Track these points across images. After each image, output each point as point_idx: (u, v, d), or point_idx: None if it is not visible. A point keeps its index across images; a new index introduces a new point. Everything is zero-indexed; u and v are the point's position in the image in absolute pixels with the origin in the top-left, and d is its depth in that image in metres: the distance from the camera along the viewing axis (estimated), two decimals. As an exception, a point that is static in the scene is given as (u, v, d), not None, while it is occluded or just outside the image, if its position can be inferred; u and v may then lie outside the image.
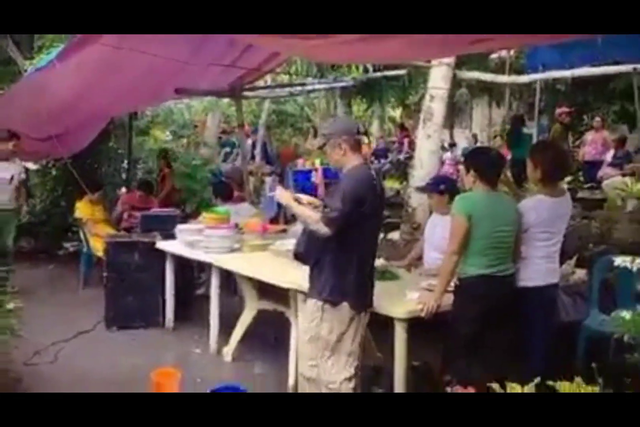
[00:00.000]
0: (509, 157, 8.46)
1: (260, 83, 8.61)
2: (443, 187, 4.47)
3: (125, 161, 8.69)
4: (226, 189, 6.52)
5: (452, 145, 14.54)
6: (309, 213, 3.28)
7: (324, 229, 3.15)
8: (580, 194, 8.25)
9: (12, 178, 6.54)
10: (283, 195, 3.48)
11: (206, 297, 5.17)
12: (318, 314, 3.26)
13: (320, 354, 3.28)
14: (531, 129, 10.34)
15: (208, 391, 3.41)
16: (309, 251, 3.35)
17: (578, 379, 2.36)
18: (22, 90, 6.05)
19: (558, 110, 10.90)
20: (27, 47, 9.80)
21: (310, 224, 3.22)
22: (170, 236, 5.50)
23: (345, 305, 3.22)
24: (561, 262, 3.92)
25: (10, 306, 4.21)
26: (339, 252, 3.21)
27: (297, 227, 4.59)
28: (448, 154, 13.20)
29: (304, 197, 3.51)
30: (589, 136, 11.21)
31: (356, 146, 3.32)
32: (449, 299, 3.52)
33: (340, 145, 3.25)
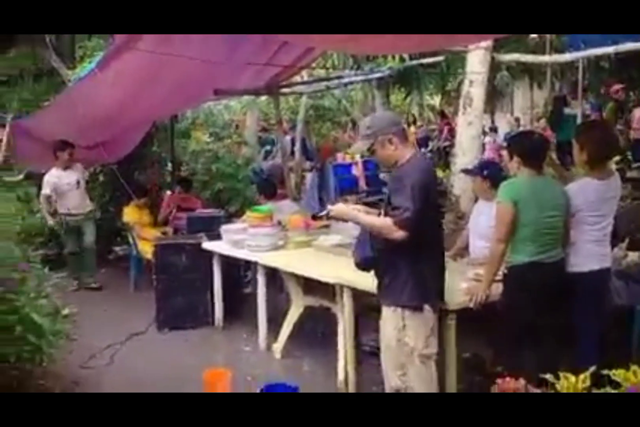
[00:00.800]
0: (553, 139, 8.27)
1: (297, 78, 8.58)
2: (487, 173, 4.38)
3: (169, 164, 8.80)
4: (270, 186, 6.54)
5: (493, 129, 14.29)
6: (378, 220, 3.06)
7: (398, 233, 2.93)
8: (629, 174, 7.99)
9: (78, 182, 6.93)
10: (340, 209, 3.26)
11: (254, 296, 5.21)
12: (399, 322, 3.07)
13: (408, 362, 3.10)
14: (575, 110, 10.07)
15: (258, 390, 3.43)
16: (377, 258, 3.12)
17: (634, 367, 2.29)
18: (66, 100, 6.19)
19: (613, 88, 10.57)
20: (69, 57, 10.02)
21: (383, 231, 2.98)
22: (216, 236, 5.56)
23: (427, 308, 3.07)
24: (613, 246, 3.81)
25: (66, 311, 4.33)
26: (413, 254, 3.01)
27: (342, 224, 4.57)
28: (489, 139, 12.98)
29: (358, 207, 3.32)
30: (637, 113, 10.85)
31: (405, 137, 3.18)
32: (497, 288, 3.46)
33: (391, 140, 3.08)
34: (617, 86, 10.45)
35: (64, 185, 6.83)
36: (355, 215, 3.18)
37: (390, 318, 3.12)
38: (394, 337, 3.11)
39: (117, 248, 8.15)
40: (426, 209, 2.97)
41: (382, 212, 3.14)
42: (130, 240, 7.10)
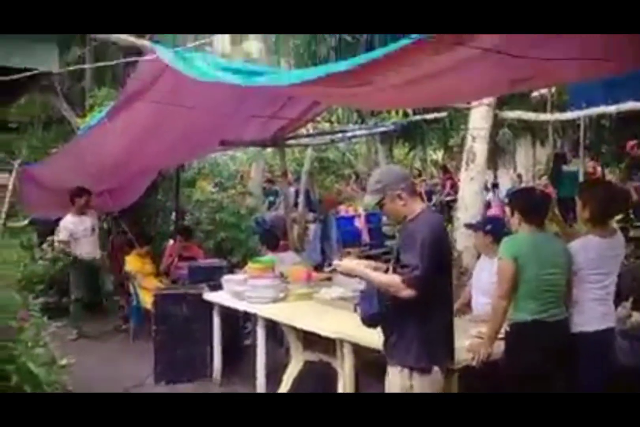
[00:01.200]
0: (554, 195, 8.31)
1: (302, 131, 8.73)
2: (489, 228, 4.39)
3: (173, 213, 8.85)
4: (273, 237, 6.55)
5: (495, 185, 14.40)
6: (386, 278, 2.98)
7: (407, 292, 2.85)
8: (632, 233, 7.98)
9: (93, 229, 7.10)
10: (348, 265, 3.17)
11: (253, 348, 5.13)
12: (406, 382, 2.98)
13: None
14: (573, 167, 10.19)
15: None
16: (383, 314, 3.03)
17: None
18: (75, 148, 6.31)
19: (629, 144, 10.68)
20: (79, 105, 10.22)
21: (392, 289, 2.90)
22: (218, 286, 5.53)
23: (436, 370, 2.98)
24: (616, 305, 3.77)
25: (64, 361, 4.27)
26: (422, 312, 2.92)
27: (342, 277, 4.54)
28: (492, 195, 13.06)
29: (364, 262, 3.25)
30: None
31: (414, 192, 3.13)
32: (500, 346, 3.41)
33: (400, 195, 3.03)
34: (632, 142, 10.52)
35: (79, 231, 6.98)
36: (363, 271, 3.09)
37: (396, 378, 3.02)
38: None
39: (118, 297, 8.09)
40: (436, 267, 2.89)
41: (391, 268, 3.08)
42: (132, 289, 7.07)
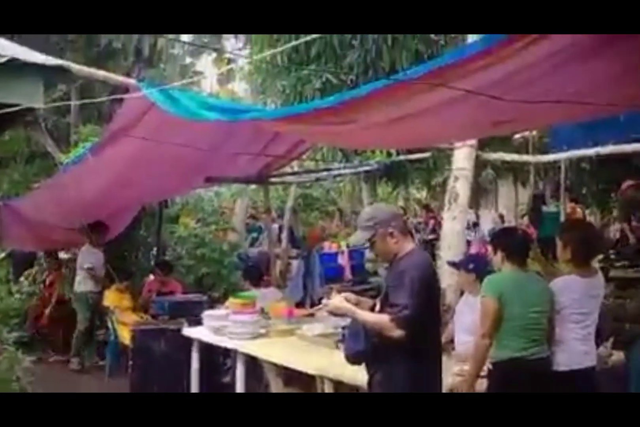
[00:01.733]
0: (535, 235, 8.40)
1: (287, 169, 8.78)
2: (472, 266, 4.41)
3: (154, 249, 8.79)
4: (256, 272, 6.50)
5: (475, 224, 14.54)
6: (374, 318, 2.92)
7: (396, 333, 2.79)
8: (612, 273, 8.05)
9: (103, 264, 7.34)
10: (337, 304, 3.05)
11: (232, 385, 5.04)
12: None
13: None
14: (552, 208, 10.32)
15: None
16: (370, 353, 2.96)
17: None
18: (58, 182, 6.30)
19: (624, 184, 10.80)
20: (63, 142, 10.24)
21: (381, 329, 2.84)
22: (198, 322, 5.46)
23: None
24: (597, 344, 3.78)
25: (35, 396, 4.16)
26: (410, 352, 2.85)
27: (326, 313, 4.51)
28: (472, 234, 13.16)
29: (350, 296, 3.15)
30: (619, 214, 11.11)
31: (405, 230, 3.10)
32: (482, 384, 3.39)
33: (392, 234, 2.99)
34: (627, 183, 10.64)
35: (98, 263, 7.20)
36: (351, 310, 3.01)
37: None
38: None
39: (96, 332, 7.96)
40: (425, 306, 2.86)
41: (378, 304, 3.04)
42: (110, 324, 6.96)
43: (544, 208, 10.48)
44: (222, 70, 18.85)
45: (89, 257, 7.27)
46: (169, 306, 6.27)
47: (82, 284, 7.18)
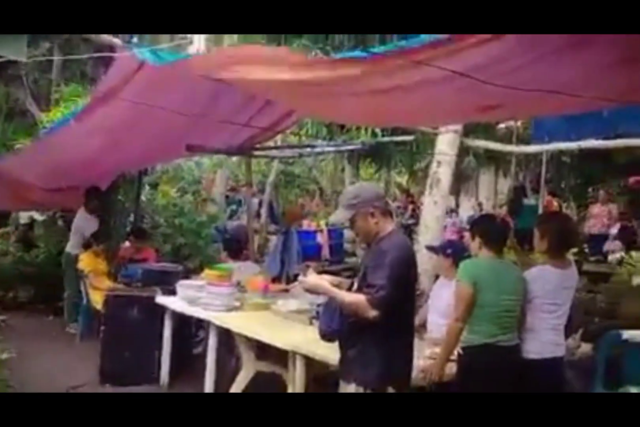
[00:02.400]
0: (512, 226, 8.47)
1: (270, 143, 8.74)
2: (450, 251, 4.45)
3: (132, 215, 8.72)
4: (236, 245, 6.47)
5: (453, 211, 14.66)
6: (351, 297, 2.92)
7: (372, 313, 2.80)
8: (585, 267, 8.19)
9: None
10: (313, 281, 3.06)
11: (203, 356, 5.07)
12: None
13: None
14: (532, 200, 10.42)
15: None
16: (345, 331, 2.97)
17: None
18: (40, 145, 6.19)
19: (632, 179, 10.90)
20: (44, 99, 10.03)
21: (356, 309, 2.85)
22: (171, 291, 5.45)
23: (391, 391, 2.91)
24: (566, 336, 3.85)
25: (4, 355, 4.15)
26: (384, 332, 2.88)
27: (300, 290, 4.53)
28: (449, 220, 13.27)
29: (327, 277, 3.15)
30: (594, 209, 11.25)
31: (387, 211, 3.08)
32: (452, 368, 3.44)
33: (373, 214, 2.97)
34: (636, 177, 10.73)
35: (89, 230, 7.20)
36: (328, 289, 3.01)
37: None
38: None
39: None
40: (402, 288, 2.88)
41: (356, 284, 3.04)
42: (82, 288, 6.92)
43: (525, 200, 10.58)
44: (211, 35, 18.55)
45: (84, 222, 7.31)
46: (142, 273, 6.23)
47: (75, 247, 7.23)
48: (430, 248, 5.03)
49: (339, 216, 3.13)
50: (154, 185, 10.20)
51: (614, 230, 10.34)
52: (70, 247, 7.34)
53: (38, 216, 9.43)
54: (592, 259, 9.38)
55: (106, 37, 4.47)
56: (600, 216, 10.88)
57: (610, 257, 9.17)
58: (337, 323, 3.01)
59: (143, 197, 8.92)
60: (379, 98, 3.67)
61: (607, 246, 9.98)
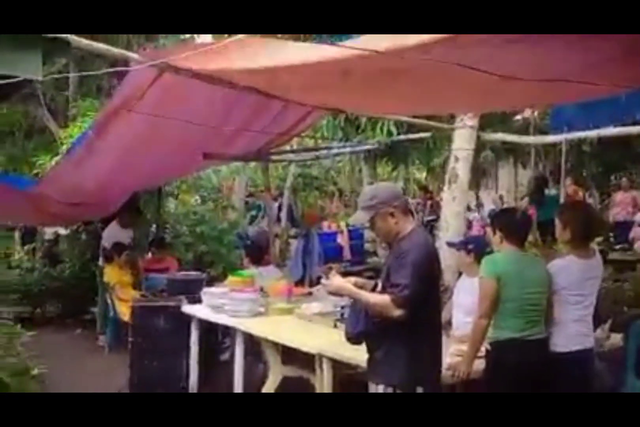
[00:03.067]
0: (534, 218, 8.38)
1: (287, 147, 8.74)
2: (471, 247, 4.42)
3: (154, 225, 8.78)
4: (258, 250, 6.49)
5: (479, 205, 14.52)
6: (375, 298, 2.93)
7: (396, 312, 2.81)
8: (611, 256, 8.07)
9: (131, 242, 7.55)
10: (337, 284, 3.06)
11: (231, 363, 5.08)
12: None
13: None
14: (553, 191, 10.31)
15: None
16: (371, 333, 2.97)
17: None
18: (65, 164, 6.24)
19: None
20: (62, 115, 10.16)
21: (381, 310, 2.86)
22: (197, 299, 5.47)
23: (420, 391, 2.90)
24: (594, 327, 3.79)
25: (35, 371, 4.19)
26: (410, 331, 2.87)
27: (323, 293, 4.52)
28: (476, 215, 13.15)
29: (352, 279, 3.14)
30: (618, 197, 11.11)
31: (407, 210, 3.06)
32: (480, 365, 3.41)
33: (393, 214, 2.97)
34: None
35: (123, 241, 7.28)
36: (352, 291, 3.02)
37: None
38: None
39: (95, 309, 8.00)
40: (426, 287, 2.88)
41: (380, 285, 3.04)
42: (109, 301, 6.98)
43: (546, 191, 10.47)
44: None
45: (117, 236, 7.37)
46: (167, 283, 6.28)
47: None
48: (451, 244, 5.00)
49: (358, 217, 3.16)
50: (174, 195, 10.26)
51: (639, 217, 10.19)
52: (102, 261, 7.37)
53: (62, 231, 9.54)
54: (617, 247, 9.24)
55: (120, 51, 4.50)
56: (624, 203, 10.73)
57: (636, 245, 9.02)
58: (362, 324, 3.01)
59: (164, 208, 8.99)
60: (391, 79, 3.54)
61: (633, 233, 9.83)
